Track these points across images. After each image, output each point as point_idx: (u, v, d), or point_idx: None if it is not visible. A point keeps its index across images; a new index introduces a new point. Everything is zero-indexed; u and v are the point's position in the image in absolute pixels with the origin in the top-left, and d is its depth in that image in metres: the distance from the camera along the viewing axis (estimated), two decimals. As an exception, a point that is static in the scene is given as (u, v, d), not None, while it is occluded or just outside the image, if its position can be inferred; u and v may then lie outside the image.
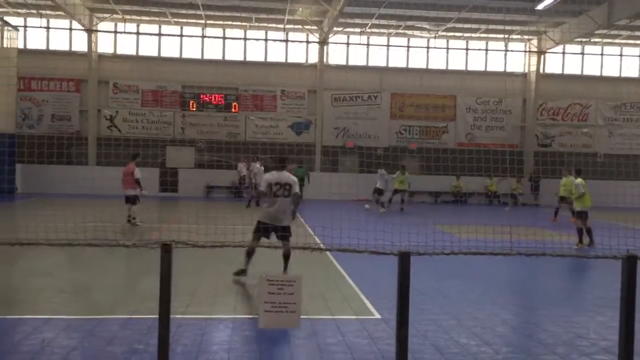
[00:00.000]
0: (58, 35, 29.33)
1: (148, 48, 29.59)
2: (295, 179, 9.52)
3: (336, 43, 30.33)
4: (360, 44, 30.67)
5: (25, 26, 28.71)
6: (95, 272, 9.74)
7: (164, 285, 4.07)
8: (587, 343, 6.62)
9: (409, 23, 28.45)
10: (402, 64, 30.86)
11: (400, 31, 29.75)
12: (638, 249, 6.85)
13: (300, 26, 29.24)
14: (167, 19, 28.76)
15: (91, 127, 28.85)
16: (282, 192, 9.17)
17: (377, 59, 30.73)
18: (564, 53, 31.41)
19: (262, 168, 21.01)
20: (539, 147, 31.28)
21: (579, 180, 14.83)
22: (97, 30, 28.95)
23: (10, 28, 25.43)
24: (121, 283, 9.16)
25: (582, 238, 13.87)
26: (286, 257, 9.11)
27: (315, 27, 29.19)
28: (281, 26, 29.47)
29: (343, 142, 30.21)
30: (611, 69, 31.76)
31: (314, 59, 30.25)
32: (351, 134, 30.30)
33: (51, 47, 29.07)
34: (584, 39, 29.70)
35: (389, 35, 30.32)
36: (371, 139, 30.30)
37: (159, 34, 29.73)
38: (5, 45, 24.88)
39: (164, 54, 29.66)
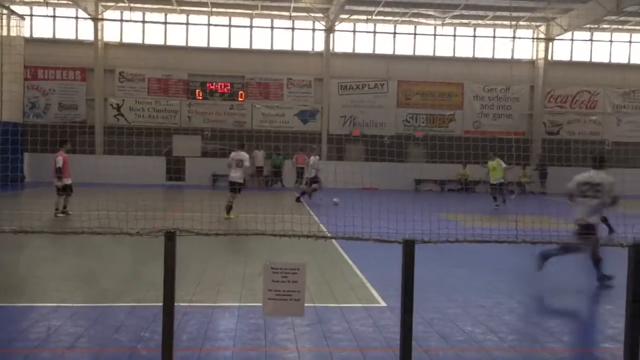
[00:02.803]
0: (64, 24, 29.31)
1: (154, 36, 29.54)
2: (611, 178, 9.13)
3: (342, 31, 30.17)
4: (366, 31, 30.49)
5: (31, 15, 28.69)
6: (101, 260, 9.79)
7: (167, 274, 4.07)
8: (594, 331, 6.61)
9: (416, 10, 28.24)
10: (409, 52, 30.67)
11: (406, 19, 29.54)
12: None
13: (306, 14, 29.08)
14: (172, 7, 28.68)
15: (98, 116, 28.90)
16: (592, 193, 8.85)
17: (384, 47, 30.55)
18: (572, 40, 31.12)
19: (318, 158, 20.93)
20: (547, 135, 31.09)
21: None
22: (103, 19, 28.92)
23: (16, 17, 25.40)
24: (128, 271, 9.20)
25: (610, 226, 13.53)
26: (596, 261, 8.62)
27: (321, 15, 29.02)
28: (287, 14, 29.33)
29: (349, 130, 30.14)
30: (620, 56, 31.45)
31: (320, 47, 30.11)
32: (357, 122, 30.20)
33: (57, 36, 29.07)
34: (592, 26, 29.40)
35: (395, 22, 30.12)
36: (377, 127, 30.20)
37: (165, 22, 29.67)
38: (11, 34, 24.87)
39: (169, 43, 29.61)
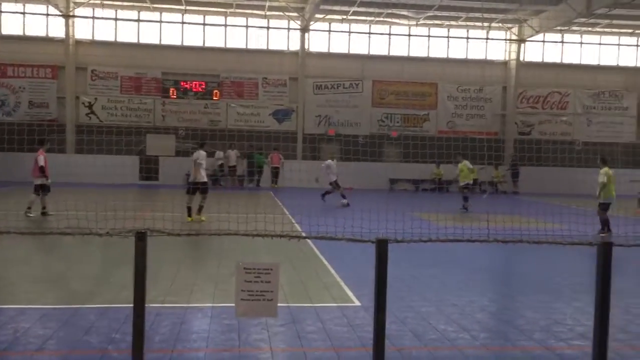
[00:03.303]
0: (34, 20, 28.79)
1: (127, 34, 29.18)
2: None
3: (318, 30, 30.18)
4: (341, 31, 30.55)
5: (0, 11, 28.12)
6: (71, 261, 9.63)
7: (138, 274, 4.02)
8: (564, 329, 6.70)
9: (390, 11, 28.39)
10: (384, 52, 30.83)
11: (381, 19, 29.68)
12: (613, 235, 6.93)
13: (281, 13, 29.02)
14: (146, 5, 28.36)
15: (69, 114, 28.44)
16: None
17: (359, 47, 30.65)
18: (543, 41, 31.60)
19: (334, 162, 20.26)
20: (519, 135, 31.53)
21: (604, 169, 14.37)
22: (74, 16, 28.49)
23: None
24: (99, 272, 9.07)
25: (608, 226, 13.21)
26: None
27: (296, 14, 28.99)
28: (262, 13, 29.23)
29: (325, 130, 30.16)
30: (590, 58, 32.05)
31: (295, 46, 30.07)
32: (333, 122, 30.24)
33: (27, 33, 28.55)
34: (563, 28, 29.89)
35: (370, 22, 30.24)
36: (352, 127, 30.28)
37: (138, 20, 29.33)
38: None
39: (143, 41, 29.28)
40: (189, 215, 14.51)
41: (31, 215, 14.63)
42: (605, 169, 14.39)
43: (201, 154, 14.93)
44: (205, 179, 14.89)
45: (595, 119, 31.93)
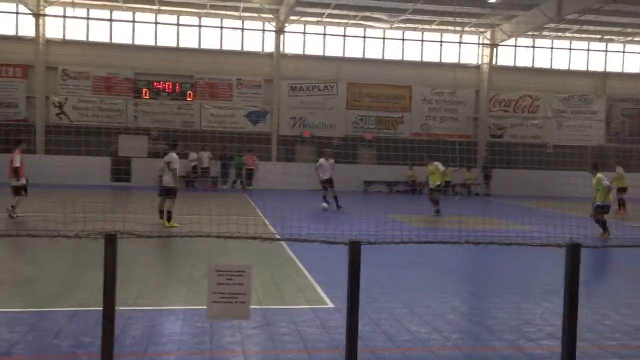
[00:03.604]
0: (4, 19, 28.19)
1: (99, 34, 28.77)
2: None
3: (293, 32, 30.17)
4: (316, 33, 30.59)
5: (-33, 8, 27.54)
6: (40, 264, 9.45)
7: (108, 277, 3.96)
8: (533, 329, 6.80)
9: (365, 14, 28.52)
10: (359, 54, 30.95)
11: (356, 21, 29.80)
12: (582, 236, 7.06)
13: (256, 14, 28.93)
14: (118, 4, 28.02)
15: (39, 114, 27.93)
16: None
17: (334, 49, 30.72)
18: (515, 46, 32.07)
19: (332, 161, 19.74)
20: (491, 138, 31.92)
21: (599, 175, 14.75)
22: (45, 15, 28.00)
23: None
24: (68, 275, 8.92)
25: (606, 227, 14.25)
26: None
27: (271, 16, 28.93)
28: (237, 14, 29.11)
29: (300, 131, 30.14)
30: (560, 62, 32.63)
31: (270, 47, 30.01)
32: (308, 124, 30.24)
33: (-4, 31, 27.97)
34: (534, 32, 30.39)
35: (345, 25, 30.33)
36: (328, 128, 30.32)
37: (110, 20, 28.95)
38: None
39: (115, 40, 28.90)
40: (161, 218, 14.15)
41: (14, 215, 14.42)
42: (600, 175, 14.75)
43: (174, 156, 14.40)
44: (172, 184, 14.21)
45: (565, 123, 32.49)
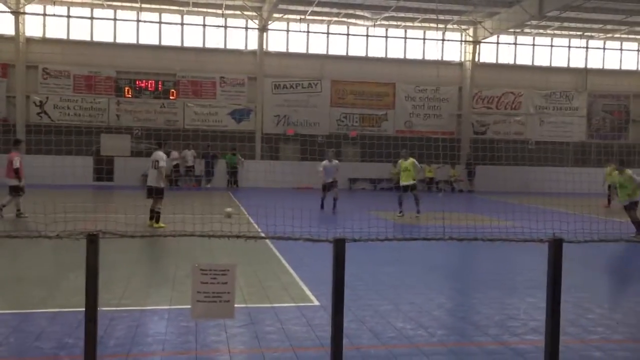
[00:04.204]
0: (-18, 16, 27.82)
1: (80, 32, 28.48)
2: None
3: (276, 30, 30.09)
4: (300, 31, 30.53)
5: (-55, 6, 27.08)
6: (21, 265, 9.33)
7: (90, 278, 3.91)
8: (517, 324, 6.85)
9: (348, 11, 28.53)
10: (342, 52, 30.96)
11: (339, 19, 29.80)
12: (564, 232, 7.13)
13: (239, 12, 28.83)
14: (99, 2, 27.75)
15: (19, 113, 27.60)
16: None
17: (317, 47, 30.70)
18: (497, 43, 32.29)
19: (336, 162, 18.54)
20: (475, 134, 32.11)
21: (628, 170, 13.85)
22: (24, 13, 27.64)
23: None
24: (49, 276, 8.81)
25: None
26: None
27: (254, 14, 28.83)
28: (219, 12, 28.97)
29: (283, 129, 30.09)
30: (542, 59, 32.91)
31: (253, 45, 29.91)
32: (292, 122, 30.20)
33: (-26, 30, 27.57)
34: (516, 29, 30.62)
35: (328, 23, 30.32)
36: (312, 126, 30.30)
37: (91, 18, 28.67)
38: None
39: (96, 39, 28.64)
40: (151, 219, 13.91)
41: (2, 216, 14.41)
42: (629, 171, 13.90)
43: (161, 155, 14.18)
44: (158, 184, 14.01)
45: (547, 119, 32.78)
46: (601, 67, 33.42)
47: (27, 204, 13.00)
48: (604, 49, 33.52)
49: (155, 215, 13.92)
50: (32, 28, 28.17)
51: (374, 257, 10.20)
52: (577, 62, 33.19)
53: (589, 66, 33.20)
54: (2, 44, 27.18)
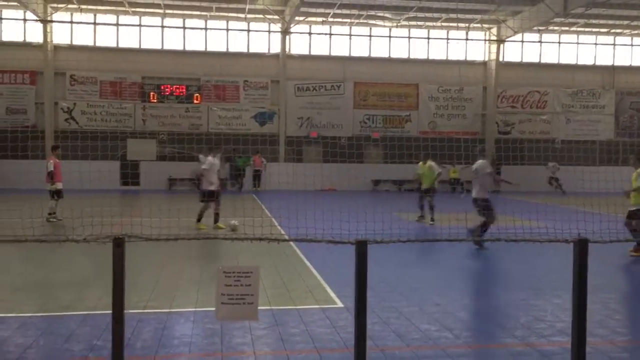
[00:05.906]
0: (11, 25, 28.46)
1: (106, 39, 28.97)
2: None
3: (298, 33, 30.20)
4: (322, 33, 30.60)
5: (-24, 16, 27.79)
6: (51, 269, 9.52)
7: (116, 281, 3.99)
8: (544, 325, 6.77)
9: (371, 12, 28.50)
10: (365, 53, 30.94)
11: (362, 20, 29.78)
12: (589, 232, 7.03)
13: (261, 16, 29.00)
14: (124, 9, 28.17)
15: (48, 120, 28.15)
16: None
17: (340, 49, 30.73)
18: (522, 41, 31.93)
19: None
20: (499, 134, 31.80)
21: None
22: (52, 21, 28.20)
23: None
24: (79, 279, 8.97)
25: None
26: None
27: (277, 17, 28.98)
28: (242, 16, 29.18)
29: (307, 132, 30.17)
30: (568, 57, 32.44)
31: (276, 48, 30.06)
32: (315, 124, 30.27)
33: (4, 38, 28.23)
34: (541, 28, 30.24)
35: (350, 24, 30.32)
36: (335, 128, 30.33)
37: (117, 24, 29.12)
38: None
39: (122, 45, 29.08)
40: (216, 221, 14.28)
41: (52, 220, 14.88)
42: None
43: (207, 159, 14.77)
44: (210, 187, 14.46)
45: (574, 118, 32.32)
46: (629, 64, 32.83)
47: (61, 208, 13.31)
48: (632, 45, 32.92)
49: (214, 217, 14.37)
50: (60, 36, 28.73)
51: (398, 258, 10.17)
52: (604, 59, 32.65)
53: (616, 63, 32.64)
54: (30, 52, 27.75)
